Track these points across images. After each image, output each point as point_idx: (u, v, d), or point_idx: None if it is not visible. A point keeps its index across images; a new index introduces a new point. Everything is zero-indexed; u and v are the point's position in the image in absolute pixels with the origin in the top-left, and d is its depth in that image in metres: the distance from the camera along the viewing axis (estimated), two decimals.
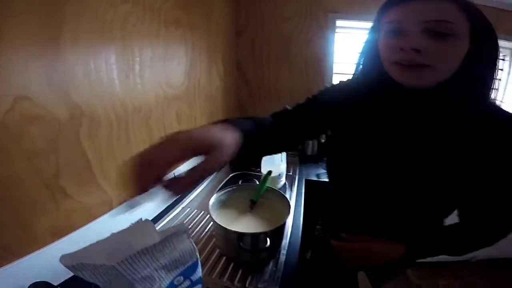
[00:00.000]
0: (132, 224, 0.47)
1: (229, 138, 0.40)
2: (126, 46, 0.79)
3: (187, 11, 1.10)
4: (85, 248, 0.40)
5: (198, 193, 1.19)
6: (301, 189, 1.30)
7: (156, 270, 0.44)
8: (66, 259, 0.37)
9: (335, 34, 1.77)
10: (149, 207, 0.84)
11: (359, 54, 0.60)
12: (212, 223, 0.86)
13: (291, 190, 1.27)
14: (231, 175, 1.37)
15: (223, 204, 0.85)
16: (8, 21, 0.49)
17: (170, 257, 0.45)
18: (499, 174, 0.50)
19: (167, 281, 0.46)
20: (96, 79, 0.69)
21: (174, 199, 0.99)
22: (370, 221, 0.66)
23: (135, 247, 0.40)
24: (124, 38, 0.78)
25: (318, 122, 0.67)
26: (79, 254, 0.39)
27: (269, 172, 1.00)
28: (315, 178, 1.47)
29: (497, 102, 0.51)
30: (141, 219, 0.48)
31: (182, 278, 0.50)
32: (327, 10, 1.74)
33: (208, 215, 0.97)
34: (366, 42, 0.58)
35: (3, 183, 0.52)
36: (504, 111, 0.50)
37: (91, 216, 0.73)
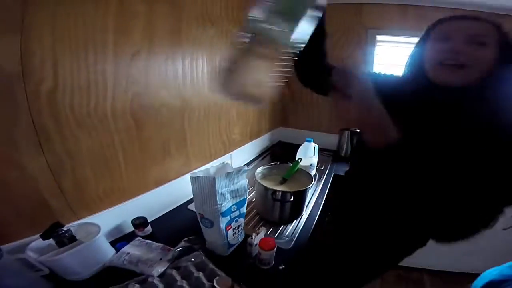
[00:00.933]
0: (221, 163, 0.84)
1: None
2: (212, 59, 1.19)
3: None
4: (203, 170, 0.79)
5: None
6: (328, 181, 1.59)
7: (228, 192, 0.78)
8: (191, 175, 0.75)
9: (376, 47, 2.00)
10: None
11: (408, 58, 0.73)
12: (254, 189, 1.20)
13: (319, 180, 1.57)
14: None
15: (262, 177, 1.19)
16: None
17: (235, 186, 0.80)
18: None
19: (230, 204, 0.81)
20: (196, 82, 1.11)
21: None
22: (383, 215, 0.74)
23: (225, 171, 0.77)
24: (211, 53, 1.18)
25: None
26: (198, 173, 0.77)
27: (299, 159, 1.32)
28: (342, 174, 1.74)
29: None
30: (224, 162, 0.85)
31: (236, 207, 0.83)
32: (367, 27, 1.98)
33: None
34: (416, 48, 0.71)
35: (143, 141, 0.93)
36: None
37: (178, 173, 1.13)
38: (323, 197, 1.37)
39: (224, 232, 0.80)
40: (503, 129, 0.54)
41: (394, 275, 1.88)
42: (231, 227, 0.82)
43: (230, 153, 1.49)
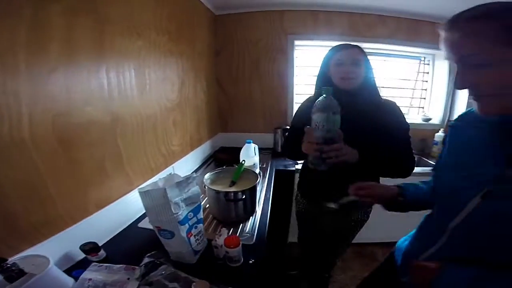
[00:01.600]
0: (168, 174, 0.84)
1: None
2: (140, 72, 1.15)
3: (177, 42, 1.48)
4: (150, 184, 0.77)
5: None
6: (272, 175, 1.70)
7: (181, 201, 0.79)
8: (140, 190, 0.73)
9: (294, 51, 2.24)
10: None
11: (316, 80, 1.14)
12: (206, 195, 1.20)
13: (264, 177, 1.66)
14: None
15: (212, 182, 1.21)
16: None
17: (188, 194, 0.81)
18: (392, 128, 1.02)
19: (185, 212, 0.81)
20: (125, 95, 1.06)
21: None
22: (334, 179, 1.08)
23: (174, 181, 0.77)
24: (139, 65, 1.14)
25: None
26: (146, 187, 0.75)
27: (243, 161, 1.39)
28: (282, 168, 1.88)
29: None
30: (171, 173, 0.84)
31: (192, 214, 0.85)
32: (287, 33, 2.20)
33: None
34: (320, 71, 1.12)
35: (73, 164, 0.85)
36: (385, 98, 1.09)
37: (120, 192, 1.06)
38: (271, 191, 1.46)
39: (187, 239, 0.80)
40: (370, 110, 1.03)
41: (351, 251, 2.11)
42: (192, 234, 0.83)
43: (172, 165, 1.45)
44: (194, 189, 0.84)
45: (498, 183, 0.49)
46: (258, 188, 1.42)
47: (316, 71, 1.15)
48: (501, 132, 0.51)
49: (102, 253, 0.86)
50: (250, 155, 1.56)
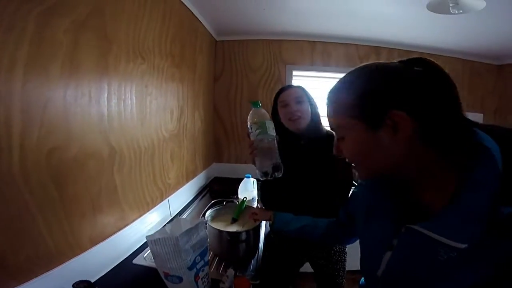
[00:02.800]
0: (176, 219, 0.77)
1: None
2: (142, 98, 1.11)
3: (179, 67, 1.47)
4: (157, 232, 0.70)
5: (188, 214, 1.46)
6: None
7: (190, 247, 0.74)
8: (148, 238, 0.66)
9: (292, 81, 2.28)
10: None
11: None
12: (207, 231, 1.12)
13: None
14: (212, 201, 1.65)
15: (212, 219, 1.13)
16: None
17: (196, 239, 0.76)
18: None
19: (194, 256, 0.77)
20: (125, 125, 1.00)
21: None
22: (296, 201, 1.09)
23: (183, 228, 0.70)
24: (141, 91, 1.10)
25: None
26: (154, 234, 0.68)
27: (245, 198, 1.32)
28: None
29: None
30: (179, 217, 0.77)
31: (199, 258, 0.80)
32: (286, 62, 2.25)
33: None
34: (272, 115, 1.14)
35: (67, 201, 0.77)
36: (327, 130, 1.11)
37: (114, 228, 0.97)
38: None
39: (194, 283, 0.78)
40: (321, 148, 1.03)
41: (346, 279, 1.96)
42: (199, 278, 0.80)
43: (167, 198, 1.36)
44: (202, 233, 0.79)
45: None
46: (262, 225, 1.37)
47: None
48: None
49: None
50: (248, 189, 1.50)
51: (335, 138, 0.56)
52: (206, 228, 0.93)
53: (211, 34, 2.05)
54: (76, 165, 0.79)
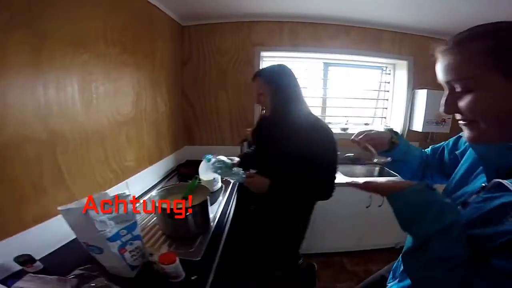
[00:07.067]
0: (101, 193, 0.86)
1: None
2: (85, 86, 1.18)
3: (133, 54, 1.52)
4: (73, 203, 0.79)
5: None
6: (234, 189, 1.75)
7: (108, 219, 0.82)
8: (62, 208, 0.75)
9: (261, 63, 2.34)
10: None
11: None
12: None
13: (225, 190, 1.70)
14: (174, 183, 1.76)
15: (161, 198, 1.23)
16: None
17: (117, 213, 0.84)
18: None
19: (115, 230, 0.84)
20: (65, 111, 1.08)
21: None
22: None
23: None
24: (84, 79, 1.17)
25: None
26: (69, 206, 0.77)
27: (196, 176, 1.43)
28: None
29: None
30: (104, 192, 0.86)
31: (125, 231, 0.88)
32: (254, 44, 2.30)
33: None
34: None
35: (6, 182, 0.86)
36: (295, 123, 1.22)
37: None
38: (229, 204, 1.50)
39: (119, 255, 0.84)
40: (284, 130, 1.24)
41: (318, 262, 2.13)
42: (126, 250, 0.87)
43: (125, 181, 1.46)
44: (128, 208, 0.87)
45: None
46: (218, 202, 1.50)
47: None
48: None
49: (38, 264, 0.88)
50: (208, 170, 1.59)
51: (447, 93, 0.52)
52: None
53: (174, 20, 2.09)
54: (12, 150, 0.87)
